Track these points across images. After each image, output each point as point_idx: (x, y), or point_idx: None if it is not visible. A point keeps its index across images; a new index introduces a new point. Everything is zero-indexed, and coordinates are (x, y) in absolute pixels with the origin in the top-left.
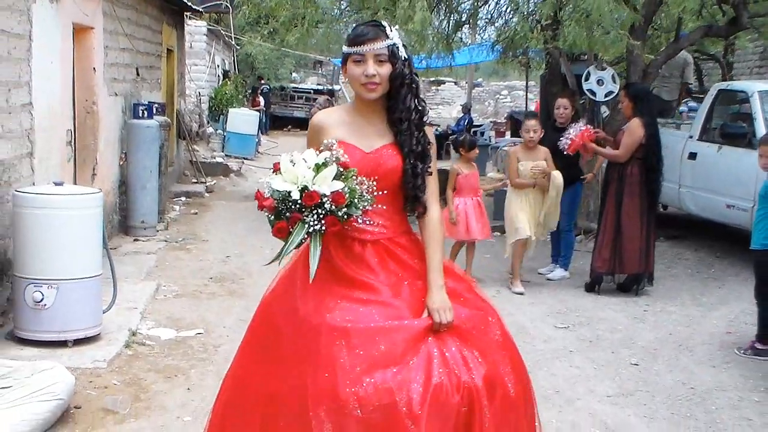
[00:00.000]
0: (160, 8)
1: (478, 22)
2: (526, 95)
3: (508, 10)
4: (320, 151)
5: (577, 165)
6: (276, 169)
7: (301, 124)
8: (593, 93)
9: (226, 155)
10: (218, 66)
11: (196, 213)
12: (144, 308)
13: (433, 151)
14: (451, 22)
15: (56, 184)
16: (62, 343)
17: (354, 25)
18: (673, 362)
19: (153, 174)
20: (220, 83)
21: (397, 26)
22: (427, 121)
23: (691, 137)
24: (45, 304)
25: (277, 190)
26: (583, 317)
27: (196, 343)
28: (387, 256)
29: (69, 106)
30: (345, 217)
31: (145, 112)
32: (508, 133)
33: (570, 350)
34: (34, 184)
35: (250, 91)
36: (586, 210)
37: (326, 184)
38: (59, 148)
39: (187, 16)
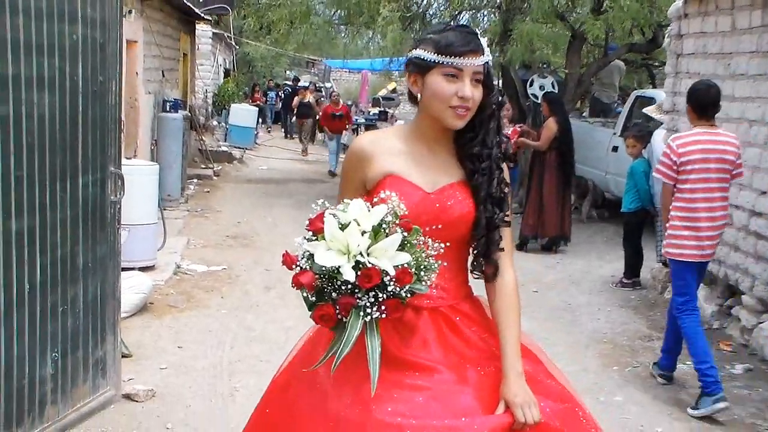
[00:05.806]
0: (179, 19)
1: None
2: None
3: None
4: (372, 203)
5: (515, 154)
6: (315, 228)
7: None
8: (536, 96)
9: (229, 145)
10: (220, 65)
11: (208, 191)
12: (181, 253)
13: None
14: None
15: (127, 158)
16: (130, 269)
17: (438, 28)
18: (563, 291)
19: (177, 157)
20: (222, 81)
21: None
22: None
23: (615, 134)
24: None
25: (322, 266)
26: None
27: (223, 274)
28: (447, 329)
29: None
30: (408, 296)
31: (172, 108)
32: None
33: None
34: None
35: (248, 88)
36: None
37: (387, 258)
38: None
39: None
